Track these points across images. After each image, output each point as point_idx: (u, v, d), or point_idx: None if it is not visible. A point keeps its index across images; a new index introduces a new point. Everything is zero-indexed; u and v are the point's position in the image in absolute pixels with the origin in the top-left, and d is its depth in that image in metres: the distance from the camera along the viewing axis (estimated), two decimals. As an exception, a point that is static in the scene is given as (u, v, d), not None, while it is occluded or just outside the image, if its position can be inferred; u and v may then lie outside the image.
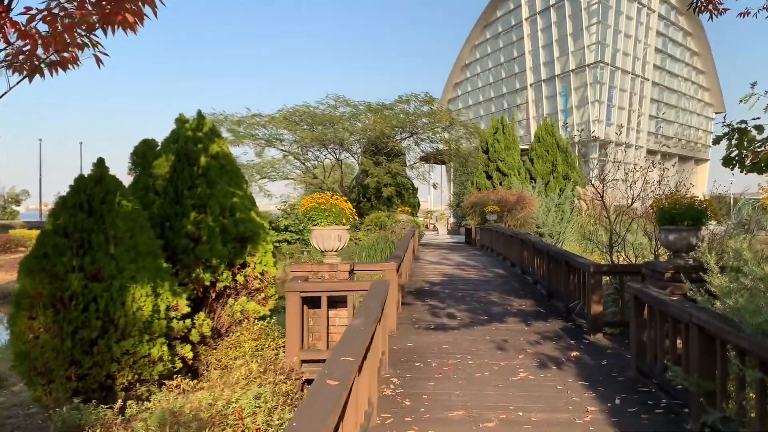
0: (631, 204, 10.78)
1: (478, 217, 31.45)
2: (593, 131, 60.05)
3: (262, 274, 7.98)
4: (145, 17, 4.07)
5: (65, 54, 4.20)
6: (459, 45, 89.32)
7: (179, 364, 7.07)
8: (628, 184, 10.86)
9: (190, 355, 7.10)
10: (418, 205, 39.84)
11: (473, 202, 32.09)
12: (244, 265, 7.92)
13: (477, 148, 37.45)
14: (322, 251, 8.01)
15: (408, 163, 33.45)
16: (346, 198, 27.11)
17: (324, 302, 7.16)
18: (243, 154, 30.43)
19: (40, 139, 51.73)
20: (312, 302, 7.41)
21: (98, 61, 4.13)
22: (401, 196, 35.13)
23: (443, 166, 60.90)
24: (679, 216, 7.45)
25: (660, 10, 75.73)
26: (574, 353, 7.77)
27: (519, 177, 36.77)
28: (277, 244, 30.89)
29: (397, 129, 29.90)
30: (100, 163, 6.62)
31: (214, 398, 4.50)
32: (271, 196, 30.47)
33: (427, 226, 62.68)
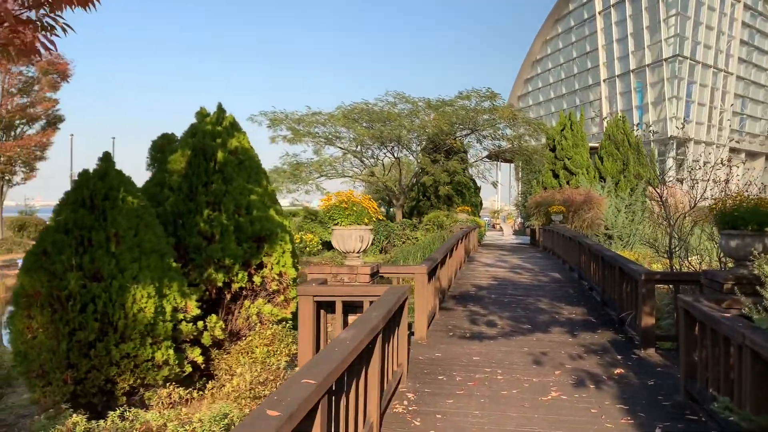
0: (694, 205, 9.76)
1: (542, 217, 30.28)
2: (679, 129, 57.06)
3: (280, 275, 7.57)
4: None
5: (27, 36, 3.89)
6: (529, 40, 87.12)
7: (189, 369, 6.74)
8: (691, 184, 9.87)
9: (200, 359, 6.77)
10: (480, 204, 38.88)
11: (538, 201, 30.94)
12: (261, 266, 7.54)
13: (544, 145, 36.17)
14: (344, 253, 7.53)
15: (469, 161, 32.56)
16: (403, 196, 26.55)
17: (338, 308, 6.67)
18: (302, 152, 30.29)
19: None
20: (330, 307, 6.94)
21: (45, 48, 3.78)
22: (462, 195, 34.29)
23: (511, 165, 59.46)
24: (742, 219, 6.54)
25: (746, -1, 71.39)
26: (618, 370, 6.97)
27: (587, 176, 35.26)
28: (334, 242, 30.80)
29: (456, 126, 29.11)
30: (106, 158, 6.37)
31: (166, 419, 4.09)
32: (328, 194, 30.30)
33: (493, 226, 61.40)
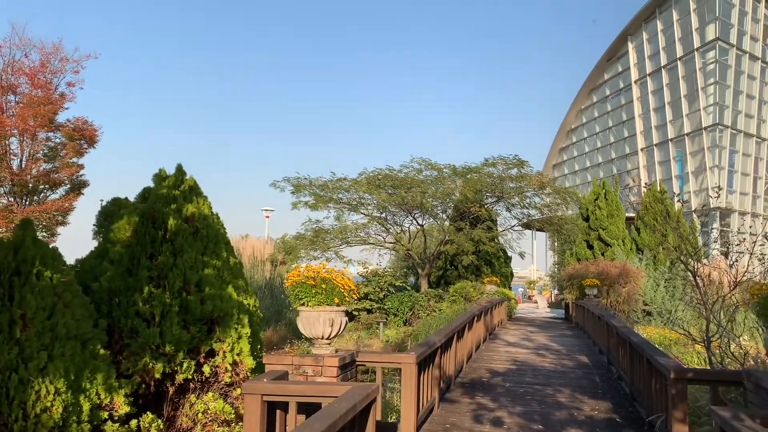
0: (734, 287, 8.39)
1: (576, 290, 28.74)
2: (713, 198, 54.90)
3: (234, 364, 6.45)
4: None
5: None
6: (563, 110, 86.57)
7: (114, 479, 5.58)
8: (730, 262, 8.56)
9: (126, 467, 5.62)
10: (511, 275, 37.28)
11: (571, 274, 29.44)
12: (213, 353, 6.44)
13: (577, 215, 34.84)
14: (311, 339, 6.40)
15: (498, 230, 31.31)
16: (428, 265, 25.32)
17: (292, 410, 5.49)
18: (325, 218, 29.45)
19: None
20: (286, 407, 5.76)
21: None
22: (491, 265, 32.90)
23: (546, 234, 57.72)
24: (793, 310, 5.26)
25: (788, 68, 69.82)
26: (640, 498, 5.57)
27: (624, 248, 33.60)
28: (356, 313, 29.50)
29: (483, 193, 28.07)
30: (23, 225, 5.47)
31: None
32: (350, 261, 29.32)
33: (529, 297, 59.42)
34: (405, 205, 27.82)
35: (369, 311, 29.46)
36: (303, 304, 6.32)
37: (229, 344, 6.42)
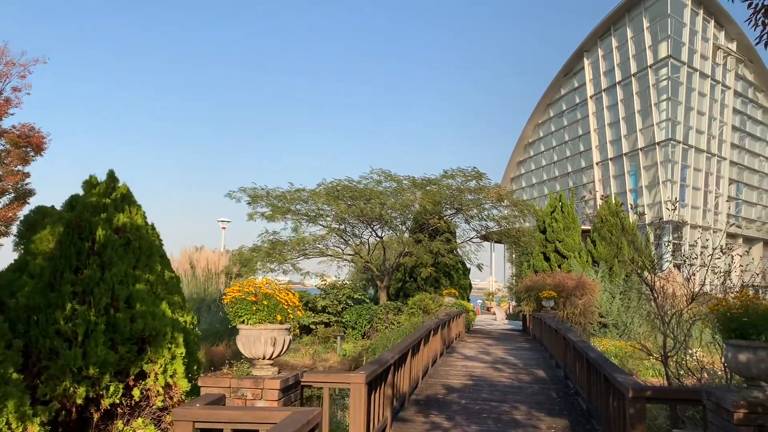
0: (692, 300, 8.26)
1: (533, 302, 28.78)
2: (670, 211, 56.15)
3: (167, 387, 5.96)
4: None
5: None
6: (521, 124, 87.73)
7: None
8: (687, 276, 8.44)
9: (41, 504, 5.07)
10: (470, 286, 37.22)
11: (528, 285, 29.47)
12: (144, 375, 5.94)
13: (534, 227, 35.03)
14: (251, 360, 5.96)
15: (457, 242, 31.20)
16: (387, 277, 24.93)
17: (227, 437, 5.04)
18: (282, 229, 28.92)
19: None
20: (222, 433, 5.30)
21: None
22: (449, 277, 32.74)
23: (504, 246, 58.07)
24: (754, 327, 5.06)
25: (736, 86, 72.01)
26: None
27: (580, 260, 33.88)
28: (313, 327, 28.90)
29: (442, 205, 27.95)
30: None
31: None
32: (308, 274, 28.83)
33: (488, 309, 59.71)
34: (364, 217, 27.48)
35: (327, 324, 28.91)
36: (243, 322, 5.89)
37: (161, 365, 5.92)
